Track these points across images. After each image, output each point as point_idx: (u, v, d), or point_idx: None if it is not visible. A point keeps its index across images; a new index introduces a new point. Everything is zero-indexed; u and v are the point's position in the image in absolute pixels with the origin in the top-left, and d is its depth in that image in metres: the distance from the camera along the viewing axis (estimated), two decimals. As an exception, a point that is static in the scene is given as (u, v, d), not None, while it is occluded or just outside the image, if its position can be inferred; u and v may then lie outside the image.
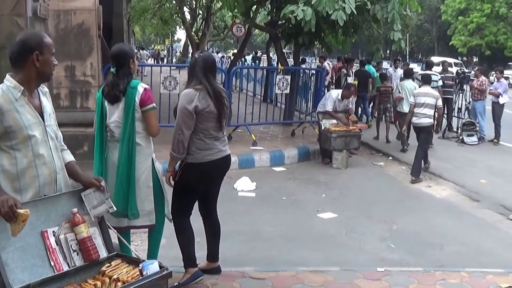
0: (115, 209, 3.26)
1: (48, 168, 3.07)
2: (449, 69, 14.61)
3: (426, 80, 10.01)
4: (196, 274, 4.56)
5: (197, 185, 4.51)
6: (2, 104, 2.91)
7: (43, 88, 3.18)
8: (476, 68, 15.21)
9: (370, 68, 15.00)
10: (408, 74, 11.89)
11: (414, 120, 9.52)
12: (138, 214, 4.24)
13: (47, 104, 3.16)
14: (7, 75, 3.02)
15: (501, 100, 12.37)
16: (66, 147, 3.35)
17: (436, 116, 9.77)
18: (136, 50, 33.66)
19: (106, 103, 4.21)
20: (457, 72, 13.75)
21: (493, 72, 13.96)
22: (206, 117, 4.27)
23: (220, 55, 39.26)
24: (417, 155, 9.14)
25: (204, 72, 4.31)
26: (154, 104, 4.22)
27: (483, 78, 12.75)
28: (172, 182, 4.47)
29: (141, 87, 4.15)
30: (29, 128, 2.96)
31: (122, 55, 4.21)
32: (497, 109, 12.46)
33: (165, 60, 45.83)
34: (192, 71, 4.33)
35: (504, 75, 13.36)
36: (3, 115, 2.90)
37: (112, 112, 4.20)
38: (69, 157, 3.33)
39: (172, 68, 11.31)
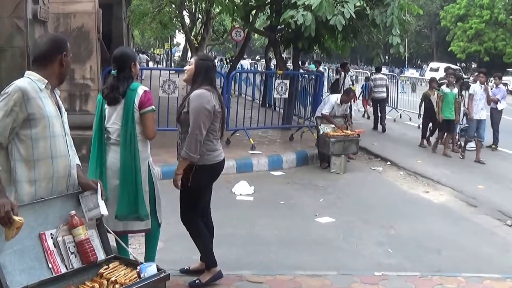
0: (106, 213, 3.26)
1: (64, 161, 3.13)
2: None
3: (378, 69, 15.56)
4: (218, 274, 4.66)
5: (208, 187, 4.61)
6: (29, 91, 2.98)
7: (56, 90, 3.26)
8: (476, 73, 15.17)
9: (312, 67, 19.09)
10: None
11: (377, 95, 15.03)
12: (148, 215, 4.27)
13: (62, 104, 3.27)
14: (27, 71, 3.12)
15: (500, 106, 12.38)
16: (75, 150, 3.39)
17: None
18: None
19: (106, 105, 4.22)
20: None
21: (491, 78, 13.95)
22: (216, 118, 4.37)
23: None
24: (383, 118, 14.75)
25: (214, 76, 4.51)
26: (153, 107, 4.24)
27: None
28: (179, 185, 4.43)
29: (141, 89, 4.18)
30: (50, 119, 3.05)
31: (123, 58, 4.24)
32: (496, 115, 12.46)
33: (165, 63, 45.88)
34: (208, 74, 4.40)
35: (502, 81, 13.36)
36: (29, 101, 2.97)
37: (111, 114, 4.21)
38: (76, 160, 3.36)
39: (171, 71, 11.28)
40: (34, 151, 3.01)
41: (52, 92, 3.17)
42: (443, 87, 11.63)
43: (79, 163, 3.39)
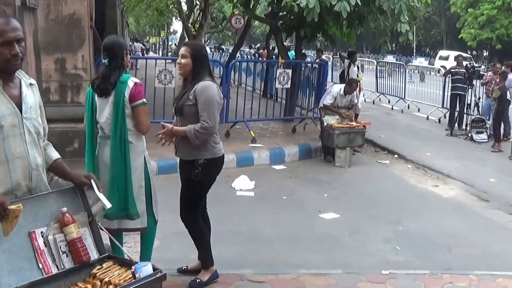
0: (109, 205, 3.16)
1: (22, 163, 2.90)
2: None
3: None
4: (216, 273, 4.64)
5: (214, 181, 4.57)
6: None
7: (29, 80, 3.03)
8: (493, 64, 14.95)
9: (291, 53, 18.07)
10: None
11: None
12: (139, 214, 4.20)
13: (30, 97, 2.98)
14: None
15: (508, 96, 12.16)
16: (50, 144, 3.21)
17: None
18: (130, 43, 33.67)
19: (96, 97, 4.16)
20: (466, 67, 13.52)
21: (503, 67, 13.78)
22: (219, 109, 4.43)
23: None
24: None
25: (209, 64, 4.53)
26: (144, 100, 4.17)
27: None
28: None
29: (131, 82, 4.11)
30: (2, 119, 2.80)
31: (116, 46, 4.20)
32: (506, 105, 12.22)
33: (161, 51, 46.17)
34: (206, 63, 4.40)
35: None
36: None
37: (102, 107, 4.15)
38: (55, 154, 3.20)
39: (167, 61, 11.11)
40: None
41: (8, 86, 2.89)
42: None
43: (59, 156, 3.21)
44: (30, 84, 3.03)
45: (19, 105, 2.89)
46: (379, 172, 9.35)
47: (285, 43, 14.64)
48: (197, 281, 4.50)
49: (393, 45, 51.54)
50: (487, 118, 12.35)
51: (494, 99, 11.30)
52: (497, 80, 12.07)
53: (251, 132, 10.34)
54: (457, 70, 13.60)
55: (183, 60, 4.30)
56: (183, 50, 4.39)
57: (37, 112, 3.03)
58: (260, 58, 23.03)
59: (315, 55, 19.84)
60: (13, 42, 2.77)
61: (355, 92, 10.00)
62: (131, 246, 5.17)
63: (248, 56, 28.22)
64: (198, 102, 4.19)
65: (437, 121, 14.95)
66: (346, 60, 14.66)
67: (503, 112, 11.52)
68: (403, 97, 17.76)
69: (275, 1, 12.58)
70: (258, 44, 39.30)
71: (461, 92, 13.31)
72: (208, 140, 4.30)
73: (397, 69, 19.04)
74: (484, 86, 13.09)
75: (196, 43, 5.14)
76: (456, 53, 30.50)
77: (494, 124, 11.75)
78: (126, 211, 4.14)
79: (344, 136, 9.31)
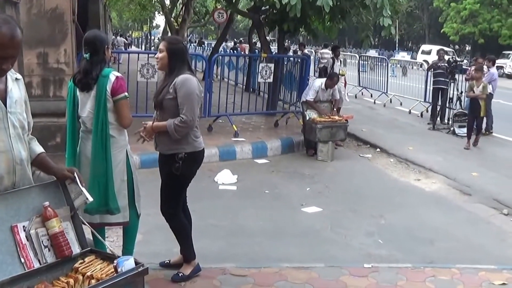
0: (91, 199, 3.16)
1: (6, 156, 2.87)
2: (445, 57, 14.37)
3: (325, 45, 17.92)
4: (198, 267, 4.63)
5: (194, 174, 4.55)
6: None
7: (14, 75, 3.00)
8: (475, 58, 15.04)
9: None
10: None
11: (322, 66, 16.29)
12: (119, 209, 4.18)
13: (15, 91, 2.95)
14: None
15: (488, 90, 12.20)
16: (35, 139, 3.19)
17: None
18: (113, 37, 33.40)
19: (78, 92, 4.14)
20: (448, 61, 13.56)
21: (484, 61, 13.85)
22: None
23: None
24: None
25: (189, 58, 4.53)
26: (126, 94, 4.16)
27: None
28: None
29: (113, 76, 4.10)
30: None
31: (98, 40, 4.19)
32: (488, 99, 12.28)
33: (143, 46, 45.88)
34: (184, 57, 4.36)
35: (497, 65, 13.22)
36: None
37: (84, 102, 4.14)
38: (39, 148, 3.18)
39: (149, 55, 11.02)
40: None
41: None
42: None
43: (43, 150, 3.19)
44: (16, 79, 3.00)
45: (3, 100, 2.87)
46: (362, 166, 9.32)
47: (268, 38, 14.55)
48: (180, 275, 4.50)
49: (376, 40, 51.58)
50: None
51: (487, 96, 11.30)
52: (476, 75, 12.02)
53: (234, 126, 10.26)
54: (439, 64, 13.64)
55: (159, 54, 4.33)
56: (160, 44, 4.43)
57: (22, 107, 3.00)
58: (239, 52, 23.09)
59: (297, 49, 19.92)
60: (9, 59, 2.77)
61: (337, 86, 9.97)
62: (113, 240, 5.16)
63: (227, 50, 28.15)
64: (177, 95, 4.19)
65: (420, 115, 14.95)
66: (329, 55, 14.71)
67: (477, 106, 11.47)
68: (385, 91, 17.77)
69: (258, -4, 12.58)
70: (241, 39, 39.19)
71: (443, 86, 13.35)
72: (188, 133, 4.29)
73: (379, 63, 19.07)
74: (468, 81, 13.16)
75: (173, 37, 5.14)
76: (439, 47, 30.58)
77: (478, 120, 11.52)
78: (106, 206, 4.12)
79: (327, 130, 9.28)
